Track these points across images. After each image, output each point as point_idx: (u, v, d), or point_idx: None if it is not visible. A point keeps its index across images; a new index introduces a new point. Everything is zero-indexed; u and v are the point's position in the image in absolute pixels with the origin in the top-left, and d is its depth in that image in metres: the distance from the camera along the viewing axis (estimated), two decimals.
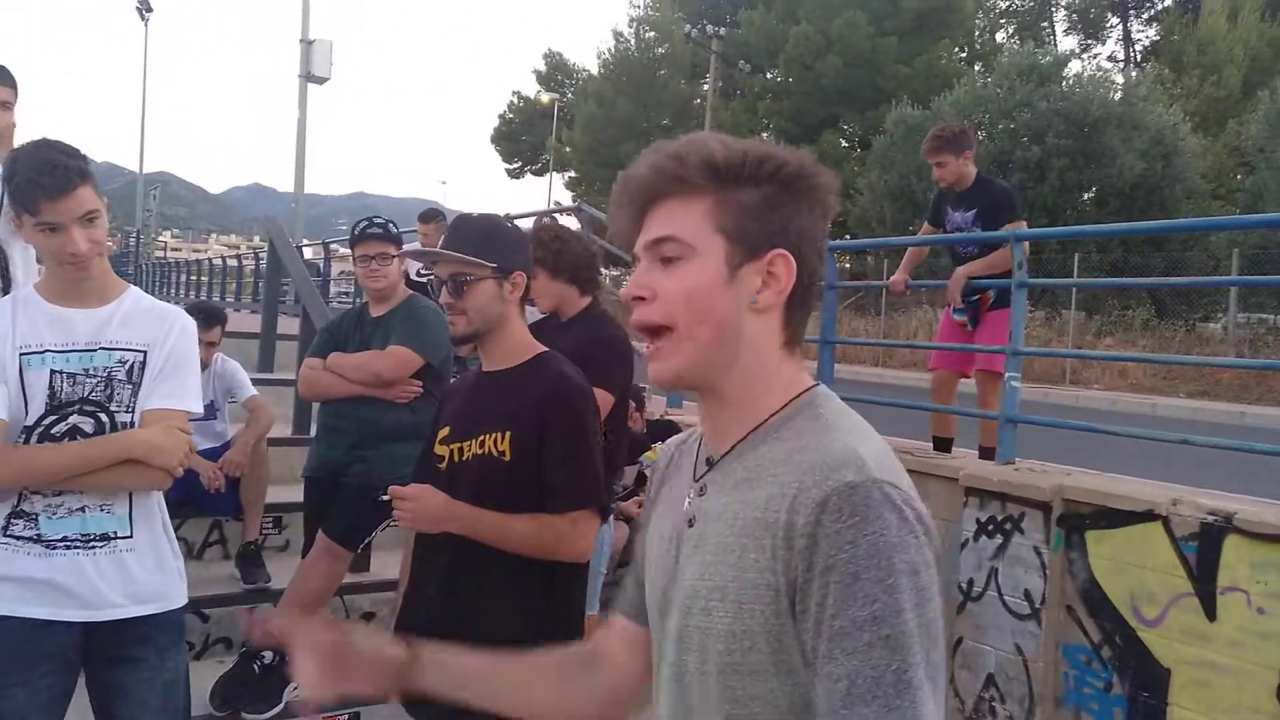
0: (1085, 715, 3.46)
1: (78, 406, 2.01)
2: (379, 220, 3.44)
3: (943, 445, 4.69)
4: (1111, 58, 32.70)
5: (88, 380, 2.01)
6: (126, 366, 2.05)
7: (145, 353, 2.07)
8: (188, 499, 3.93)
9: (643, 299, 1.04)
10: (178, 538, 4.15)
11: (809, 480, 0.92)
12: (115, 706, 2.10)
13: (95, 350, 2.03)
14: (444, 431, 2.14)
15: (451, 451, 2.09)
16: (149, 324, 2.09)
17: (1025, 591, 3.59)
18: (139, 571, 2.05)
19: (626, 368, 3.13)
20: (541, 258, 3.01)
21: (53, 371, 1.99)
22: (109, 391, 2.03)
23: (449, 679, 1.22)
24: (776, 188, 1.03)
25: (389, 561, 3.97)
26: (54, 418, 2.00)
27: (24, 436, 1.99)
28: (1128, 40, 32.43)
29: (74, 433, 2.00)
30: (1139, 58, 31.55)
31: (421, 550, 2.18)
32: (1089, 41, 32.47)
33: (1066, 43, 32.12)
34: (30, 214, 1.93)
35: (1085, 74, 21.86)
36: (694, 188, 1.02)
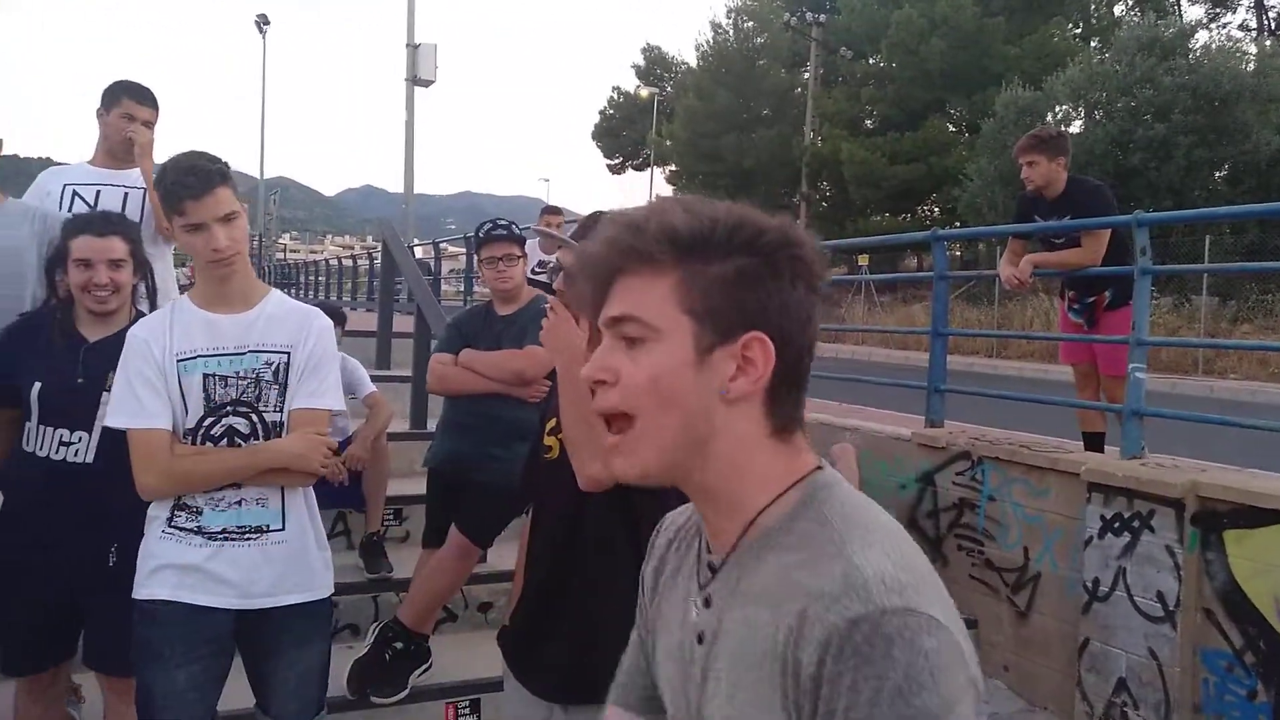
0: None
1: (231, 407, 2.12)
2: (503, 222, 3.51)
3: (1093, 443, 4.52)
4: (1243, 26, 30.66)
5: (239, 382, 2.12)
6: (273, 368, 2.15)
7: (289, 354, 2.16)
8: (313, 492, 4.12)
9: (604, 382, 0.93)
10: None
11: (811, 612, 0.82)
12: (259, 690, 2.23)
13: (244, 353, 2.13)
14: (552, 422, 2.17)
15: (560, 441, 2.12)
16: (290, 325, 2.18)
17: (1158, 593, 3.43)
18: (287, 563, 2.16)
19: None
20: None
21: (205, 375, 2.10)
22: (258, 392, 2.13)
23: None
24: (753, 260, 0.90)
25: (506, 553, 4.05)
26: (211, 419, 2.11)
27: (188, 438, 2.11)
28: (1260, 7, 30.40)
29: (230, 433, 2.12)
30: (1274, 25, 29.58)
31: (534, 543, 2.21)
32: (1217, 10, 30.53)
33: (1193, 12, 30.48)
34: (178, 214, 2.05)
35: (1214, 45, 20.59)
36: (656, 263, 0.91)
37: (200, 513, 2.10)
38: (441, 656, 3.45)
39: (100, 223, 2.51)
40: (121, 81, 3.37)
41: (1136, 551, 3.52)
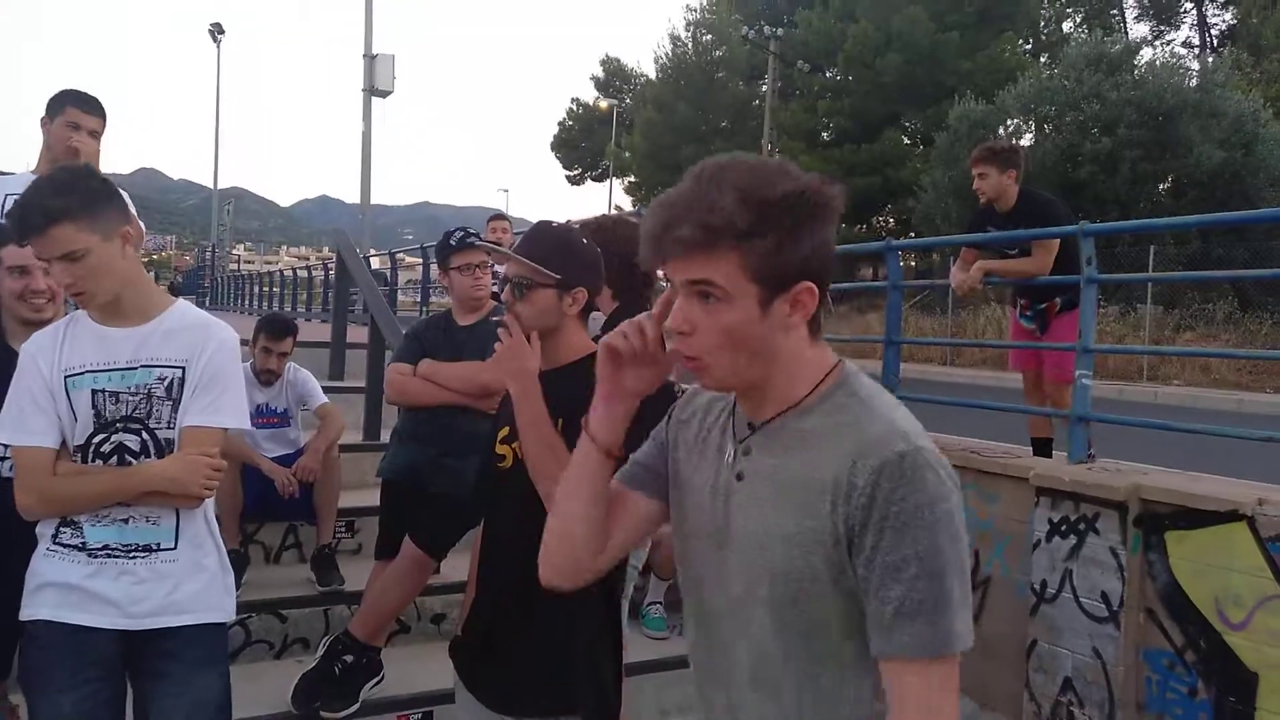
0: None
1: (122, 424, 2.05)
2: (473, 231, 3.49)
3: (1041, 448, 4.60)
4: (1186, 43, 31.58)
5: (130, 398, 2.05)
6: (165, 383, 2.07)
7: (184, 368, 2.08)
8: (264, 504, 4.06)
9: (684, 334, 1.18)
10: (255, 541, 4.34)
11: (866, 450, 1.12)
12: (147, 718, 2.10)
13: (136, 368, 2.06)
14: (504, 431, 2.16)
15: (515, 450, 2.12)
16: (187, 339, 2.10)
17: (1102, 594, 3.50)
18: (178, 584, 2.07)
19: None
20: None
21: (94, 391, 2.03)
22: (149, 408, 2.06)
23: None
24: (796, 220, 1.14)
25: (459, 564, 4.01)
26: (102, 435, 2.04)
27: (78, 455, 2.04)
28: (1203, 25, 31.34)
29: (121, 450, 2.05)
30: (1215, 43, 30.47)
31: (486, 555, 2.21)
32: (1162, 28, 31.43)
33: (1138, 30, 31.23)
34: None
35: (1158, 61, 21.13)
36: (722, 244, 1.13)
37: (81, 528, 2.03)
38: (394, 669, 3.41)
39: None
40: (67, 90, 3.31)
41: (1082, 554, 3.59)
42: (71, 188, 1.97)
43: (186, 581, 2.08)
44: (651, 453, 1.41)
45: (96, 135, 3.31)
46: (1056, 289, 4.61)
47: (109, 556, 2.03)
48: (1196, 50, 30.12)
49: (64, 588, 2.02)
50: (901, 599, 1.07)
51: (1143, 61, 20.54)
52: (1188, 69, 21.39)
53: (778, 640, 1.19)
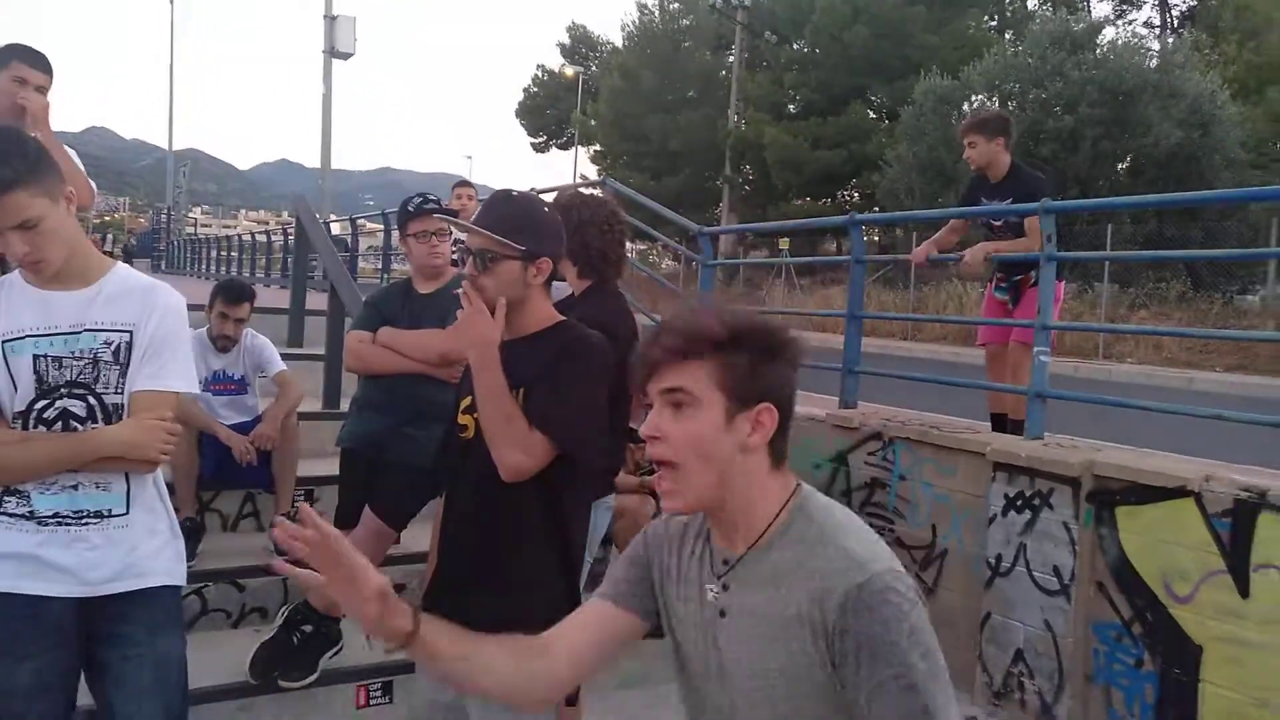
0: (1116, 692, 3.44)
1: (66, 389, 2.00)
2: (433, 197, 3.44)
3: (1001, 423, 4.67)
4: (1147, 24, 31.88)
5: (74, 363, 2.00)
6: (113, 347, 2.03)
7: (131, 332, 2.04)
8: (221, 472, 4.01)
9: (656, 438, 1.31)
10: (212, 510, 4.28)
11: (828, 586, 1.23)
12: (106, 686, 2.07)
13: (80, 332, 2.01)
14: (466, 401, 2.15)
15: (475, 420, 2.11)
16: (133, 303, 2.06)
17: (1055, 568, 3.57)
18: (133, 549, 2.05)
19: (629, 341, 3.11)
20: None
21: (35, 356, 1.98)
22: (95, 373, 2.01)
23: (436, 657, 1.37)
24: (764, 353, 1.30)
25: (419, 534, 4.00)
26: (44, 402, 1.99)
27: (17, 421, 1.99)
28: (1164, 6, 31.64)
29: (65, 416, 2.00)
30: (1175, 23, 30.80)
31: (447, 525, 2.20)
32: (1124, 7, 31.65)
33: (1101, 9, 31.51)
34: None
35: (1120, 41, 21.32)
36: (700, 356, 1.29)
37: (29, 498, 1.98)
38: (353, 638, 3.39)
39: None
40: (12, 44, 3.21)
41: (1036, 528, 3.66)
42: (14, 153, 1.90)
43: (140, 545, 2.06)
44: (632, 572, 1.49)
45: (44, 91, 3.21)
46: (1030, 263, 4.67)
47: (60, 524, 1.99)
48: (1157, 30, 30.46)
49: (17, 558, 1.98)
50: (887, 716, 1.19)
51: (1105, 41, 20.73)
52: (1148, 49, 21.61)
53: None
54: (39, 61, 3.19)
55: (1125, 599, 3.43)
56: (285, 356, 4.48)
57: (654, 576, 1.47)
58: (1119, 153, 18.98)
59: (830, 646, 1.23)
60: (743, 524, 1.34)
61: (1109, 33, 23.05)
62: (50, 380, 1.99)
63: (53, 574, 1.98)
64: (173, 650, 2.13)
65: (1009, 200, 4.59)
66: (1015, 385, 4.52)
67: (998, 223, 4.76)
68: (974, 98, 21.39)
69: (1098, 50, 19.56)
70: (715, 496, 1.32)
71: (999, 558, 3.77)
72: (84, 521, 2.01)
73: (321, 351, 5.39)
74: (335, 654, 3.31)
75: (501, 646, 1.42)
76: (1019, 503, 3.73)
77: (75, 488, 2.00)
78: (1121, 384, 11.70)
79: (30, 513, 1.98)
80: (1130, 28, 30.08)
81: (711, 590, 1.37)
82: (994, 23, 29.12)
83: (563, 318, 2.17)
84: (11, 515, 1.99)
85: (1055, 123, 18.47)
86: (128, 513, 2.05)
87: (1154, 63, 19.73)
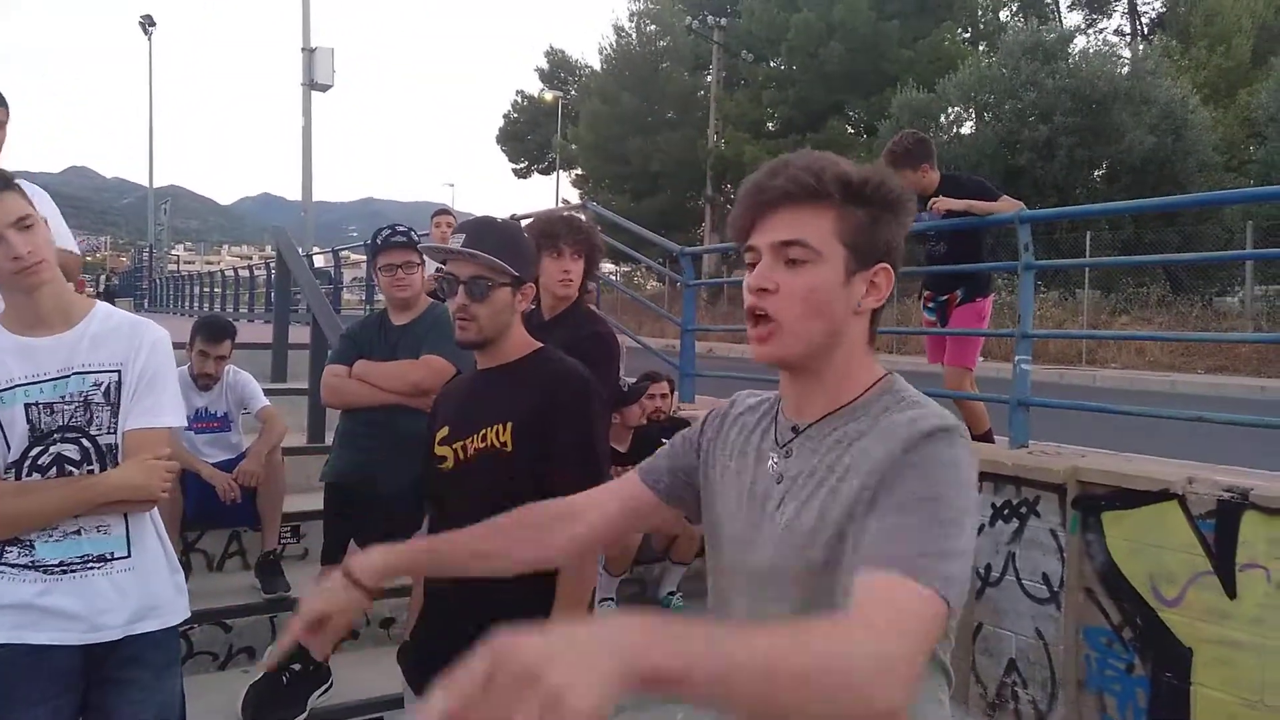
0: (1109, 698, 3.44)
1: (59, 434, 1.99)
2: (401, 229, 3.44)
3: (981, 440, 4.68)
4: (1118, 31, 32.26)
5: (65, 408, 1.99)
6: (103, 388, 2.02)
7: (119, 371, 2.04)
8: (205, 511, 3.97)
9: (766, 290, 1.18)
10: (196, 550, 4.24)
11: (901, 430, 1.13)
12: None
13: (69, 376, 2.00)
14: (443, 432, 2.13)
15: (455, 450, 2.09)
16: (119, 341, 2.05)
17: (1043, 575, 3.58)
18: (137, 590, 2.04)
19: (616, 364, 3.12)
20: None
21: (26, 405, 1.97)
22: (88, 416, 2.01)
23: (440, 563, 1.45)
24: (883, 208, 1.19)
25: None
26: (38, 449, 1.98)
27: (12, 472, 1.97)
28: (1134, 13, 32.05)
29: (60, 461, 1.99)
30: (1146, 30, 31.21)
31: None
32: (1094, 16, 32.06)
33: (1071, 19, 31.82)
34: None
35: (1091, 49, 21.61)
36: (825, 200, 1.17)
37: (32, 547, 1.97)
38: (343, 675, 3.37)
39: None
40: None
41: (1024, 536, 3.67)
42: None
43: (145, 586, 2.06)
44: (677, 461, 1.43)
45: (1, 125, 3.19)
46: (957, 281, 4.69)
47: (65, 571, 1.98)
48: (1128, 38, 30.84)
49: (19, 608, 1.96)
50: (895, 526, 1.05)
51: (1076, 50, 20.98)
52: (1120, 57, 21.91)
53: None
54: None
55: (1114, 604, 3.43)
56: (269, 391, 4.47)
57: (698, 462, 1.38)
58: (1094, 160, 19.18)
59: (886, 473, 1.11)
60: (831, 390, 1.23)
61: (1080, 42, 23.41)
62: (43, 427, 1.98)
63: (58, 622, 1.97)
64: (174, 689, 2.14)
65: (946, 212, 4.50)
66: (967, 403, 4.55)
67: (937, 245, 4.78)
68: (950, 110, 21.61)
69: (1070, 59, 19.79)
70: (816, 351, 1.20)
71: (988, 567, 3.78)
72: (89, 566, 2.00)
73: (305, 385, 5.38)
74: (325, 692, 3.28)
75: (520, 520, 1.47)
76: (1006, 511, 3.74)
77: (78, 533, 1.99)
78: (1106, 389, 11.77)
79: (33, 562, 1.97)
80: (1101, 36, 30.53)
81: (774, 458, 1.26)
82: (967, 35, 29.47)
83: (541, 345, 2.17)
84: (14, 566, 1.97)
85: (1031, 132, 18.67)
86: (129, 555, 2.04)
87: (1126, 70, 19.99)
